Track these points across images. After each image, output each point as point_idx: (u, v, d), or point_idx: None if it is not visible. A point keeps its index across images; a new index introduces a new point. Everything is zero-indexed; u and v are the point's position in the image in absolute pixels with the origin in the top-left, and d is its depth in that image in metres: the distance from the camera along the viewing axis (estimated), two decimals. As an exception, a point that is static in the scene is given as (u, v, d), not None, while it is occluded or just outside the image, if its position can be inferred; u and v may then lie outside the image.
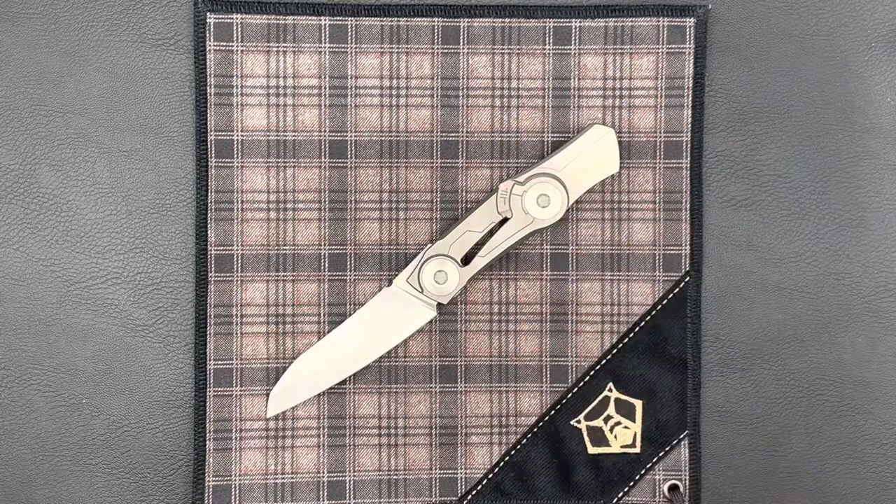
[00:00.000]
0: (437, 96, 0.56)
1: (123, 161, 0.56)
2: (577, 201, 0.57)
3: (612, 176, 0.56)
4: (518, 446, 0.57)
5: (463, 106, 0.56)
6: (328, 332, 0.56)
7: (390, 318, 0.56)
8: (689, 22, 0.56)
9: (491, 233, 0.55)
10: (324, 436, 0.56)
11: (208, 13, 0.55)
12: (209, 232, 0.56)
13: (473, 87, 0.56)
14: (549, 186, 0.54)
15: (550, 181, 0.54)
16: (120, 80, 0.55)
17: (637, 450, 0.58)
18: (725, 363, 0.58)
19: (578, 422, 0.57)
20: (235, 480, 0.56)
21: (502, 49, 0.56)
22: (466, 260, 0.55)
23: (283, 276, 0.56)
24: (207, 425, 0.56)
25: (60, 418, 0.56)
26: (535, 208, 0.54)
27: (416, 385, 0.57)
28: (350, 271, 0.56)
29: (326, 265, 0.56)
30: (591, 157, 0.55)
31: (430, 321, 0.56)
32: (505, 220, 0.55)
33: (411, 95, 0.56)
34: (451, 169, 0.56)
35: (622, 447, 0.58)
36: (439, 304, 0.56)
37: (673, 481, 0.58)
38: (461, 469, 0.57)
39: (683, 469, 0.58)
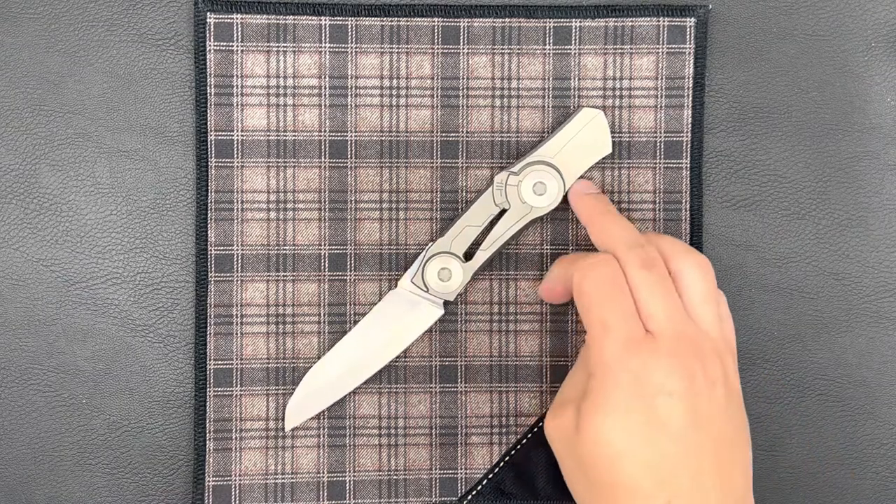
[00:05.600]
0: (437, 96, 0.56)
1: (123, 161, 0.56)
2: (577, 201, 0.57)
3: (606, 158, 0.56)
4: (518, 446, 0.57)
5: (463, 106, 0.56)
6: (328, 332, 0.56)
7: (399, 320, 0.56)
8: (689, 22, 0.56)
9: (491, 226, 0.55)
10: (324, 436, 0.56)
11: (208, 13, 0.55)
12: (209, 232, 0.56)
13: (473, 87, 0.56)
14: (544, 174, 0.54)
15: (545, 168, 0.54)
16: (120, 80, 0.56)
17: (637, 450, 0.58)
18: (725, 363, 0.58)
19: (578, 422, 0.57)
20: (235, 480, 0.56)
21: (502, 49, 0.56)
22: (468, 256, 0.55)
23: (283, 276, 0.56)
24: (207, 425, 0.56)
25: (60, 418, 0.56)
26: (532, 196, 0.55)
27: (416, 385, 0.57)
28: (350, 271, 0.56)
29: (326, 265, 0.56)
30: (583, 140, 0.55)
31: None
32: (503, 211, 0.55)
33: (411, 95, 0.56)
34: (451, 169, 0.56)
35: (622, 447, 0.57)
36: (446, 302, 0.56)
37: (673, 481, 0.58)
38: (461, 469, 0.57)
39: (683, 469, 0.58)
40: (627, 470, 0.47)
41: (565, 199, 0.56)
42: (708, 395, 0.47)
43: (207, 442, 0.56)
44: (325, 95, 0.56)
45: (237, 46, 0.55)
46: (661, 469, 0.46)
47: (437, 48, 0.56)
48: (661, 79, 0.56)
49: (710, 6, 0.57)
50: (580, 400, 0.49)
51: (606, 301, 0.48)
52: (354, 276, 0.56)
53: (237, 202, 0.56)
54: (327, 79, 0.56)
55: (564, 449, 0.49)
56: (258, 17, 0.55)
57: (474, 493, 0.57)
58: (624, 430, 0.47)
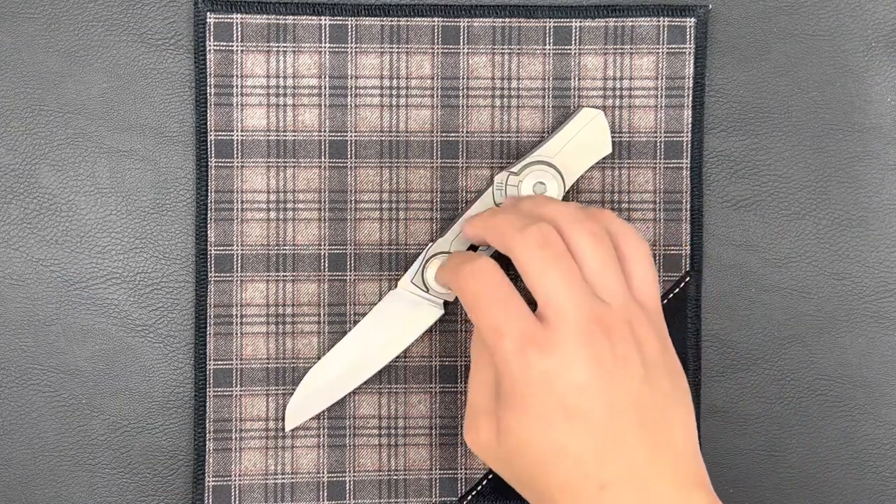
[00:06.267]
0: (437, 96, 0.56)
1: (123, 161, 0.56)
2: (577, 200, 0.57)
3: (606, 158, 0.56)
4: (518, 446, 0.57)
5: (463, 106, 0.56)
6: (328, 332, 0.56)
7: (399, 320, 0.56)
8: (690, 22, 0.56)
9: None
10: (324, 436, 0.56)
11: (208, 13, 0.55)
12: (209, 232, 0.56)
13: (473, 87, 0.56)
14: (545, 173, 0.54)
15: (545, 168, 0.54)
16: (120, 80, 0.55)
17: (637, 450, 0.57)
18: (725, 363, 0.58)
19: (578, 422, 0.57)
20: (235, 481, 0.56)
21: (502, 49, 0.56)
22: (467, 259, 0.55)
23: (283, 276, 0.56)
24: (207, 425, 0.56)
25: (60, 418, 0.56)
26: None
27: (416, 385, 0.57)
28: (350, 271, 0.56)
29: (326, 265, 0.56)
30: (583, 140, 0.55)
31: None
32: None
33: (411, 95, 0.56)
34: (451, 169, 0.56)
35: (622, 447, 0.57)
36: (446, 303, 0.56)
37: (673, 481, 0.58)
38: (461, 469, 0.57)
39: (683, 469, 0.58)
40: (559, 469, 0.46)
41: (565, 199, 0.56)
42: (621, 373, 0.46)
43: (207, 442, 0.56)
44: (325, 95, 0.56)
45: (237, 46, 0.55)
46: (590, 461, 0.45)
47: (437, 48, 0.56)
48: (661, 79, 0.56)
49: (710, 6, 0.57)
50: (495, 408, 0.48)
51: (493, 305, 0.47)
52: (354, 276, 0.56)
53: (237, 202, 0.56)
54: (327, 79, 0.56)
55: (492, 460, 0.48)
56: (258, 17, 0.55)
57: (474, 493, 0.57)
58: (545, 432, 0.46)
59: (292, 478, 0.56)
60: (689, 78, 0.57)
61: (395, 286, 0.56)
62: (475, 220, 0.52)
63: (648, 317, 0.48)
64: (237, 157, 0.55)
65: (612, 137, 0.56)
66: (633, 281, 0.49)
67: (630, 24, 0.56)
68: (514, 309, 0.47)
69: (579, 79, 0.56)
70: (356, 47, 0.56)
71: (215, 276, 0.56)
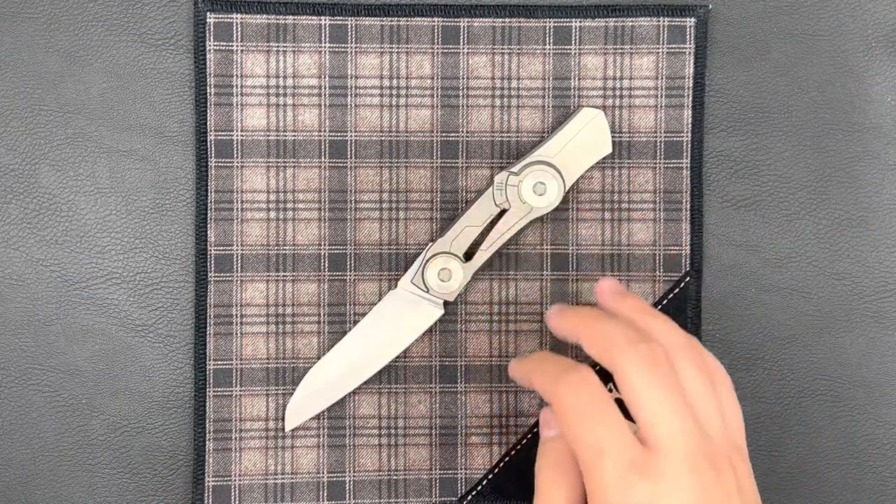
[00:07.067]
0: (437, 96, 0.56)
1: (123, 161, 0.56)
2: (577, 200, 0.57)
3: (606, 158, 0.56)
4: (518, 446, 0.57)
5: (463, 106, 0.56)
6: (328, 332, 0.56)
7: (399, 320, 0.56)
8: (690, 22, 0.56)
9: (491, 226, 0.55)
10: (324, 436, 0.56)
11: (208, 13, 0.55)
12: (209, 232, 0.56)
13: (473, 87, 0.56)
14: (544, 173, 0.54)
15: (545, 168, 0.54)
16: (120, 80, 0.55)
17: (637, 450, 0.57)
18: (725, 363, 0.58)
19: (578, 422, 0.57)
20: (235, 481, 0.56)
21: (502, 49, 0.56)
22: (469, 256, 0.55)
23: (283, 276, 0.56)
24: (207, 425, 0.56)
25: (60, 418, 0.56)
26: (533, 196, 0.55)
27: (416, 385, 0.57)
28: (350, 271, 0.56)
29: (326, 265, 0.56)
30: (583, 140, 0.55)
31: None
32: (503, 211, 0.55)
33: (411, 95, 0.56)
34: (451, 169, 0.56)
35: (622, 447, 0.57)
36: (446, 303, 0.56)
37: (673, 481, 0.58)
38: (461, 469, 0.57)
39: (683, 469, 0.58)
40: None
41: (565, 199, 0.56)
42: None
43: (207, 442, 0.56)
44: (325, 95, 0.56)
45: (237, 46, 0.55)
46: None
47: (437, 48, 0.56)
48: (662, 79, 0.56)
49: (710, 6, 0.57)
50: None
51: (595, 422, 0.44)
52: (354, 276, 0.56)
53: (237, 202, 0.56)
54: (327, 79, 0.56)
55: None
56: (258, 16, 0.55)
57: (474, 493, 0.57)
58: None
59: (292, 478, 0.56)
60: (689, 78, 0.57)
61: (395, 286, 0.56)
62: (570, 315, 0.49)
63: (741, 455, 0.47)
64: (237, 157, 0.55)
65: (612, 137, 0.56)
66: (724, 416, 0.47)
67: (630, 23, 0.56)
68: (617, 429, 0.44)
69: (579, 79, 0.56)
70: (356, 47, 0.56)
71: (215, 276, 0.56)
